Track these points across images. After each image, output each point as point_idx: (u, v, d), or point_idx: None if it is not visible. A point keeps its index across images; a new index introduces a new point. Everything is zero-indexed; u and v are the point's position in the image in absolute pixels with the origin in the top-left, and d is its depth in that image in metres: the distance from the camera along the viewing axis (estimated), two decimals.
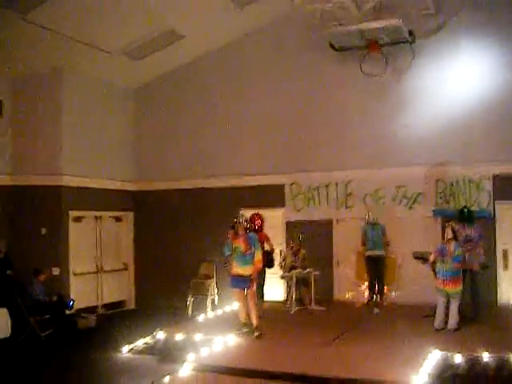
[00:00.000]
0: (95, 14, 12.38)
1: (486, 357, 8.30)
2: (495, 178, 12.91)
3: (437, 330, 10.38)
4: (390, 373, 7.76)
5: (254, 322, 10.30)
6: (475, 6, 13.08)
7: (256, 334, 10.14)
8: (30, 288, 12.62)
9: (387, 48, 13.37)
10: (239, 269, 10.33)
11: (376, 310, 12.32)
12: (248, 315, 10.44)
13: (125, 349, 10.10)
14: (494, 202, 12.91)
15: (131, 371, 9.06)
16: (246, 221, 10.63)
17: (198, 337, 10.10)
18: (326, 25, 12.75)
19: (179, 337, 10.23)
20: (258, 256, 10.32)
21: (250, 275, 10.27)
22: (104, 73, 14.97)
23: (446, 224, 11.11)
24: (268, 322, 11.24)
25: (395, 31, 12.74)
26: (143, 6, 12.62)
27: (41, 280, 12.88)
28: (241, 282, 10.36)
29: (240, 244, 10.32)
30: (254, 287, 10.50)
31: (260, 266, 10.51)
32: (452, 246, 10.51)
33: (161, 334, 10.45)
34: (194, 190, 15.80)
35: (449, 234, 10.65)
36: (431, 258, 10.79)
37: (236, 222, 10.49)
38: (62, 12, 12.00)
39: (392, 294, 13.25)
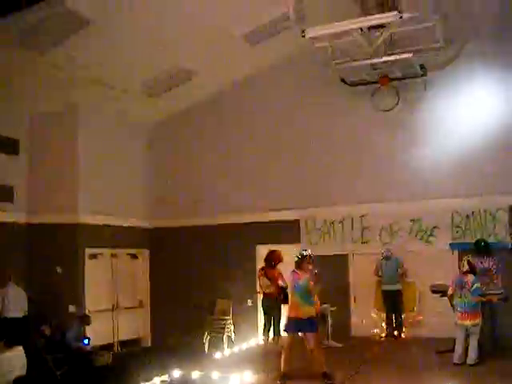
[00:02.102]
0: (111, 52, 12.67)
1: None
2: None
3: (456, 364, 10.21)
4: None
5: (323, 368, 9.26)
6: (486, 36, 13.16)
7: (329, 382, 9.10)
8: (68, 333, 12.65)
9: (399, 82, 13.45)
10: (297, 310, 9.31)
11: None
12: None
13: None
14: (511, 233, 12.80)
15: None
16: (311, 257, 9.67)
17: (214, 375, 9.98)
18: (338, 60, 12.86)
19: (196, 375, 10.12)
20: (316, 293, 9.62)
21: (312, 316, 9.36)
22: (119, 110, 15.18)
23: (464, 258, 11.00)
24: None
25: (406, 65, 12.89)
26: (158, 45, 12.83)
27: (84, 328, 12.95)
28: (297, 325, 9.31)
29: (307, 282, 9.36)
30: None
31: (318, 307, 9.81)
32: (470, 278, 10.39)
33: (177, 372, 10.35)
34: (208, 226, 15.82)
35: (465, 266, 10.56)
36: (449, 291, 10.68)
37: (304, 257, 9.55)
38: (78, 51, 12.30)
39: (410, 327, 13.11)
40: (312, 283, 9.41)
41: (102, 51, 12.48)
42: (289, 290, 9.72)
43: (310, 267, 9.59)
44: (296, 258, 9.61)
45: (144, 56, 13.10)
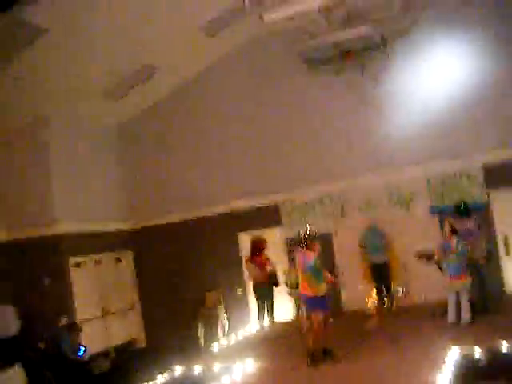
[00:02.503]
0: (72, 57, 12.42)
1: (504, 347, 8.33)
2: (485, 167, 13.03)
3: (451, 323, 10.43)
4: (413, 373, 7.81)
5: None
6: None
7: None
8: (63, 345, 12.48)
9: (361, 54, 13.52)
10: (314, 288, 9.41)
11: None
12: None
13: None
14: (487, 192, 13.01)
15: None
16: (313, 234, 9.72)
17: (216, 366, 10.03)
18: (298, 40, 12.89)
19: (197, 369, 10.16)
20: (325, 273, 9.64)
21: (325, 294, 9.49)
22: (87, 115, 14.97)
23: (445, 222, 11.18)
24: (282, 345, 11.31)
25: (367, 38, 12.92)
26: (118, 44, 12.70)
27: (76, 336, 12.83)
28: (316, 303, 9.42)
29: (316, 260, 9.47)
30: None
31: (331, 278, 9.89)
32: (454, 241, 10.59)
33: (178, 368, 10.38)
34: (189, 221, 15.80)
35: (447, 229, 10.75)
36: (436, 257, 10.87)
37: (306, 236, 9.64)
38: (40, 60, 12.07)
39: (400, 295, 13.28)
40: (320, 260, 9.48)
41: (62, 58, 12.29)
42: (299, 271, 9.68)
43: (316, 245, 9.57)
44: (301, 238, 9.66)
45: (105, 58, 12.96)
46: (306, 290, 9.50)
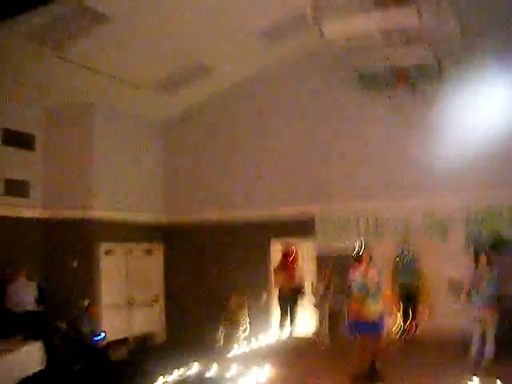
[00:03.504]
0: (125, 49, 12.65)
1: None
2: None
3: (474, 358, 10.24)
4: None
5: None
6: (503, 29, 13.06)
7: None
8: (79, 323, 12.64)
9: (415, 79, 13.42)
10: (365, 310, 8.82)
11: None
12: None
13: (159, 382, 9.96)
14: None
15: None
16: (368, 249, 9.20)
17: (233, 369, 10.02)
18: (355, 59, 12.84)
19: (214, 369, 10.16)
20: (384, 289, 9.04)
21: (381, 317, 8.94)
22: (134, 107, 15.23)
23: (481, 253, 10.99)
24: (302, 356, 11.27)
25: (423, 63, 12.80)
26: (172, 41, 12.87)
27: (93, 316, 12.97)
28: (368, 325, 8.84)
29: (368, 278, 8.90)
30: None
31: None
32: (487, 273, 10.42)
33: (195, 367, 10.39)
34: (223, 222, 15.85)
35: (483, 262, 10.58)
36: (466, 286, 10.70)
37: (361, 252, 9.16)
38: (94, 48, 12.32)
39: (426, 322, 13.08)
40: (375, 279, 8.90)
41: (119, 47, 12.49)
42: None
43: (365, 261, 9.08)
44: (353, 254, 9.24)
45: (161, 52, 13.14)
46: (354, 311, 9.01)
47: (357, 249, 9.25)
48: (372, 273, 9.01)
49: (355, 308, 8.94)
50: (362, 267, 9.06)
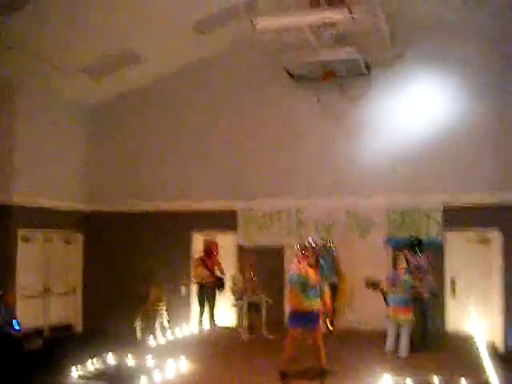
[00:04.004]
0: (54, 30, 12.34)
1: (435, 381, 8.44)
2: (445, 207, 13.23)
3: (387, 353, 10.50)
4: None
5: (322, 364, 9.01)
6: (430, 38, 13.50)
7: (323, 378, 8.84)
8: None
9: (343, 77, 13.66)
10: (304, 304, 8.84)
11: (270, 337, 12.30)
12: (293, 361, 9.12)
13: (74, 373, 9.73)
14: (443, 232, 13.21)
15: None
16: (316, 246, 9.36)
17: (149, 361, 9.92)
18: (285, 53, 12.94)
19: (130, 361, 10.03)
20: (327, 287, 9.15)
21: (317, 311, 8.93)
22: (60, 90, 14.84)
23: (399, 252, 11.29)
24: (219, 348, 11.30)
25: (352, 62, 13.07)
26: (104, 25, 12.61)
27: (9, 304, 12.55)
28: (304, 319, 8.84)
29: (310, 274, 8.91)
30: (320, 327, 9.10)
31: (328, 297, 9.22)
32: (403, 274, 10.71)
33: (111, 358, 10.24)
34: (145, 212, 15.67)
35: (402, 262, 10.88)
36: (383, 285, 10.97)
37: (307, 248, 9.22)
38: (20, 27, 11.90)
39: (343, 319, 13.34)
40: (312, 275, 8.91)
41: (47, 28, 12.15)
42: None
43: (312, 260, 9.13)
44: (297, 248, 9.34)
45: (91, 36, 12.85)
46: (288, 302, 9.23)
47: (305, 243, 9.37)
48: (312, 271, 9.02)
49: (292, 300, 9.02)
50: (305, 262, 9.07)
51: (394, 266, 11.62)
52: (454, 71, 13.20)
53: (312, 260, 9.12)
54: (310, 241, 9.44)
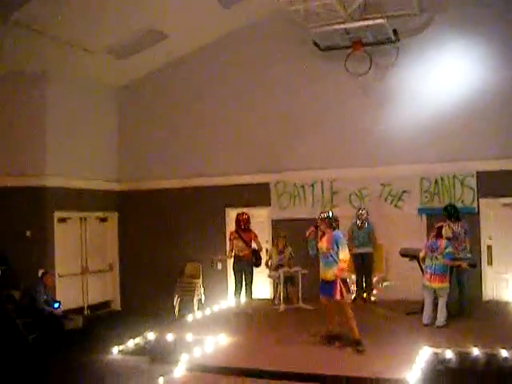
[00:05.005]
0: (79, 13, 12.30)
1: (475, 352, 8.44)
2: (479, 174, 13.06)
3: (425, 325, 10.49)
4: (383, 370, 7.83)
5: (354, 335, 9.11)
6: (460, 3, 13.21)
7: (359, 348, 8.94)
8: (36, 295, 12.36)
9: (371, 47, 13.49)
10: (322, 273, 9.37)
11: None
12: (333, 326, 9.54)
13: (115, 350, 9.96)
14: (478, 199, 13.08)
15: (123, 373, 8.98)
16: (330, 218, 9.43)
17: (188, 337, 10.06)
18: (311, 23, 12.80)
19: (170, 337, 10.18)
20: (343, 255, 9.06)
21: (333, 280, 9.10)
22: (88, 72, 14.85)
23: (441, 223, 11.17)
24: (257, 321, 11.45)
25: (380, 31, 12.94)
26: (128, 6, 12.57)
27: (49, 285, 12.82)
28: (324, 288, 9.30)
29: (322, 244, 9.36)
30: (342, 295, 9.06)
31: (344, 266, 9.06)
32: (443, 243, 10.63)
33: (151, 335, 10.40)
34: (178, 189, 15.76)
35: (448, 232, 10.82)
36: (421, 253, 10.92)
37: (320, 219, 9.47)
38: (46, 12, 11.92)
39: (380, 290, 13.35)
40: (326, 244, 9.25)
41: (71, 11, 12.12)
42: None
43: (324, 230, 9.44)
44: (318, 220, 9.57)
45: (115, 16, 12.82)
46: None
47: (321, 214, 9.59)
48: (325, 239, 9.32)
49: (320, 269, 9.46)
50: (322, 232, 9.45)
51: (429, 235, 11.51)
52: (484, 38, 12.87)
53: (324, 228, 9.40)
54: (323, 214, 9.61)
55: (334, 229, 9.40)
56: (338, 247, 9.10)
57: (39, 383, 9.17)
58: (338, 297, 9.03)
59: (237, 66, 15.30)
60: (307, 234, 9.75)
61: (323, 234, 9.44)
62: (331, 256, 9.14)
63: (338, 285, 9.00)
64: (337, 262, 9.07)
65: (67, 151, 14.54)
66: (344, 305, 9.16)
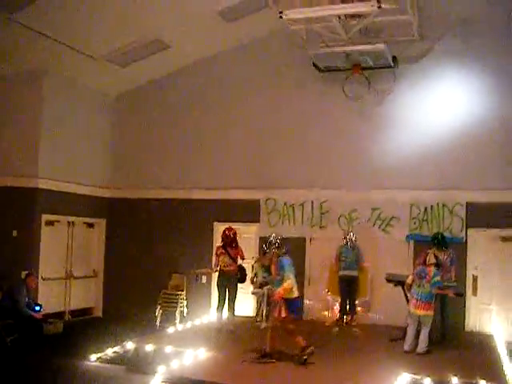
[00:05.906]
0: (82, 18, 12.33)
1: (454, 381, 8.39)
2: (468, 205, 13.10)
3: (406, 352, 10.46)
4: None
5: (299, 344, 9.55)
6: (458, 33, 13.35)
7: (304, 356, 9.36)
8: (18, 296, 12.25)
9: (370, 71, 13.57)
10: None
11: (336, 329, 12.49)
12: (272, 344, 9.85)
13: (93, 357, 9.79)
14: (466, 229, 13.10)
15: (99, 380, 8.89)
16: (276, 244, 9.95)
17: (168, 349, 9.98)
18: (312, 44, 12.87)
19: (149, 348, 10.10)
20: (286, 284, 9.43)
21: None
22: (86, 77, 14.90)
23: (428, 250, 11.20)
24: (238, 338, 11.39)
25: (379, 55, 13.01)
26: (131, 14, 12.63)
27: (31, 287, 12.72)
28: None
29: (272, 268, 9.84)
30: (279, 313, 9.61)
31: (282, 292, 9.46)
32: (432, 270, 10.62)
33: (130, 344, 10.32)
34: (168, 200, 15.72)
35: (431, 259, 10.79)
36: (409, 279, 10.91)
37: (269, 245, 10.02)
38: (49, 14, 11.95)
39: (363, 315, 13.30)
40: (274, 270, 9.75)
41: (74, 15, 12.15)
42: None
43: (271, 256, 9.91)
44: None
45: (115, 24, 12.89)
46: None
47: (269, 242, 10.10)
48: (273, 266, 9.82)
49: None
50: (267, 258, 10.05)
51: (416, 261, 11.52)
52: (482, 68, 13.04)
53: (270, 255, 9.89)
54: (272, 238, 10.17)
55: (280, 255, 9.75)
56: (284, 272, 9.49)
57: None
58: (278, 315, 9.50)
59: (233, 81, 15.35)
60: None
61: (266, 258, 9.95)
62: (277, 281, 9.62)
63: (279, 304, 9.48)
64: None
65: (60, 155, 14.50)
66: (284, 323, 9.59)
